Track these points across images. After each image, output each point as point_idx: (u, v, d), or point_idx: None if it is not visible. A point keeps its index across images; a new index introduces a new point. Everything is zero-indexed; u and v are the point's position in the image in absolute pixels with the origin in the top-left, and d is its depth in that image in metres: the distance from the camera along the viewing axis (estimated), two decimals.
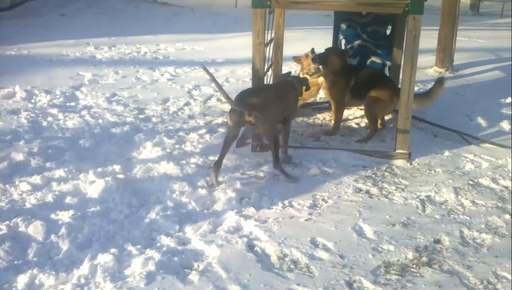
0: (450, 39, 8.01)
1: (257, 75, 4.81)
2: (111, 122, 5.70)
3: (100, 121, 5.74)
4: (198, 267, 3.20)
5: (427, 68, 8.47)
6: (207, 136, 5.38)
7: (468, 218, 3.83)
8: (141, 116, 5.97)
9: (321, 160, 4.80)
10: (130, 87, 7.16)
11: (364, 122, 5.89)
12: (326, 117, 6.05)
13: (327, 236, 3.53)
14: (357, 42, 6.06)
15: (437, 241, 3.51)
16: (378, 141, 5.36)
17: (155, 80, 7.58)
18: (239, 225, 3.68)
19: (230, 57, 9.00)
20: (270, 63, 6.23)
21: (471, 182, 4.43)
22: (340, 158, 4.83)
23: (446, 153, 5.05)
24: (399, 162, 4.81)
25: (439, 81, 5.38)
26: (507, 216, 3.85)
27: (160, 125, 5.69)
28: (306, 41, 9.32)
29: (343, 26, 6.01)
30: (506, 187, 4.36)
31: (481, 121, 6.00)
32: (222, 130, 5.59)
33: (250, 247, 3.42)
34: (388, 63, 6.02)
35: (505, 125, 5.87)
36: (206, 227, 3.64)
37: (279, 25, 5.89)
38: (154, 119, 5.90)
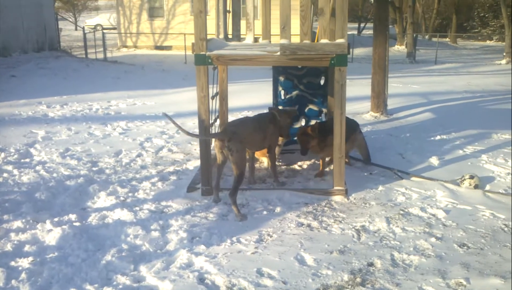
0: (382, 86, 8.73)
1: (203, 125, 5.21)
2: (66, 175, 5.92)
3: (55, 175, 5.95)
4: None
5: (364, 113, 9.14)
6: (159, 184, 5.68)
7: (398, 243, 4.26)
8: (94, 169, 6.21)
9: (267, 200, 5.18)
10: (83, 142, 7.40)
11: (306, 164, 6.34)
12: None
13: (272, 266, 3.86)
14: (295, 93, 6.61)
15: (370, 264, 3.90)
16: (320, 180, 5.79)
17: (108, 134, 7.86)
18: (191, 261, 3.96)
19: (179, 110, 9.41)
20: (217, 114, 6.70)
21: (401, 212, 4.90)
22: (284, 197, 5.22)
23: (380, 187, 5.53)
24: (338, 198, 5.24)
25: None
26: (433, 239, 4.30)
27: (113, 176, 5.95)
28: (251, 93, 9.92)
29: (281, 78, 6.56)
30: (433, 215, 4.84)
31: (412, 158, 6.58)
32: (173, 177, 5.91)
33: (201, 280, 3.70)
34: (324, 110, 6.57)
35: (433, 160, 6.46)
36: (160, 265, 3.90)
37: (223, 79, 6.38)
38: (107, 171, 6.16)
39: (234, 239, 4.33)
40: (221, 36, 6.30)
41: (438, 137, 7.49)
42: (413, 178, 5.86)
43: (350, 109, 9.50)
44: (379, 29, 8.81)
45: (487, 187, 5.63)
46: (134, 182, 5.75)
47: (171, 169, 6.24)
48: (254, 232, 4.46)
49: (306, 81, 6.53)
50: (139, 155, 6.82)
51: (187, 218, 4.77)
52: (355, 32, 38.22)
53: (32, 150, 6.97)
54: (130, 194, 5.37)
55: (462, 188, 5.54)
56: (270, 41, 6.16)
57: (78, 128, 8.19)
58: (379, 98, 8.83)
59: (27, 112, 9.29)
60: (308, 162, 6.39)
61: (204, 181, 5.35)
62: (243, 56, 5.08)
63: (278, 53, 4.98)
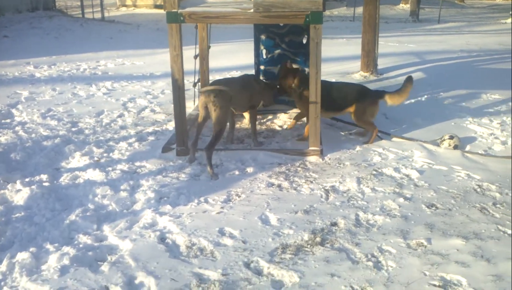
0: (372, 45, 8.54)
1: (176, 85, 5.13)
2: (44, 136, 5.89)
3: (33, 135, 5.93)
4: (111, 259, 3.46)
5: (354, 72, 8.98)
6: (136, 144, 5.65)
7: (365, 203, 4.23)
8: (73, 129, 6.18)
9: (241, 160, 5.14)
10: (66, 102, 7.36)
11: (286, 124, 6.27)
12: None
13: (235, 226, 3.85)
14: (277, 52, 6.48)
15: (334, 224, 3.88)
16: (297, 141, 5.73)
17: (91, 94, 7.80)
18: (154, 221, 3.96)
19: (168, 70, 9.25)
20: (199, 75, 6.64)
21: (374, 172, 4.85)
22: (258, 158, 5.18)
23: (357, 148, 5.47)
24: (312, 158, 5.19)
25: (408, 78, 5.84)
26: (401, 200, 4.26)
27: (91, 137, 5.92)
28: (234, 53, 9.75)
29: (263, 37, 6.42)
30: (407, 175, 4.79)
31: (396, 118, 6.49)
32: (151, 138, 5.88)
33: (162, 239, 3.70)
34: (306, 69, 6.43)
35: (417, 120, 6.37)
36: (123, 224, 3.90)
37: (203, 38, 6.26)
38: (86, 131, 6.13)
39: (201, 199, 4.32)
40: None
41: (425, 97, 7.37)
42: (393, 139, 5.79)
43: (341, 68, 9.38)
44: None
45: (467, 148, 5.55)
46: (111, 143, 5.72)
47: (150, 129, 6.20)
48: (223, 192, 4.45)
49: (288, 39, 6.38)
50: (120, 116, 6.77)
51: (158, 178, 4.75)
52: None
53: (14, 110, 6.94)
54: (105, 155, 5.34)
55: (441, 149, 5.47)
56: None
57: (62, 88, 8.13)
58: (368, 57, 8.66)
59: (14, 72, 9.22)
60: (288, 122, 6.31)
61: (179, 142, 5.31)
62: (216, 13, 4.95)
63: (252, 10, 4.84)
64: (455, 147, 5.46)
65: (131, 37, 14.01)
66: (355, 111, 5.68)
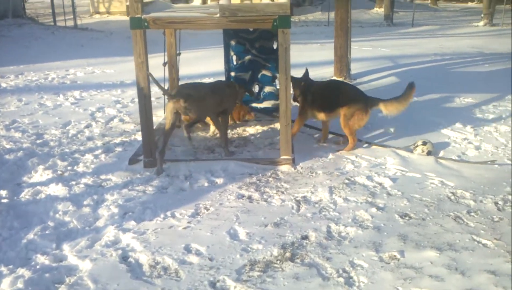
0: (345, 49, 8.47)
1: (142, 93, 4.96)
2: (6, 149, 5.65)
3: None
4: (69, 281, 3.27)
5: (327, 78, 8.87)
6: (102, 156, 5.45)
7: (337, 214, 4.10)
8: (38, 141, 5.95)
9: (210, 171, 4.98)
10: (32, 113, 7.11)
11: (259, 133, 6.13)
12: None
13: (201, 242, 3.68)
14: (247, 58, 6.34)
15: (305, 237, 3.74)
16: (270, 149, 5.59)
17: (59, 104, 7.56)
18: (117, 238, 3.78)
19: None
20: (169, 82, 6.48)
21: (347, 181, 4.73)
22: (228, 168, 5.03)
23: (330, 156, 5.36)
24: (284, 168, 5.06)
25: (410, 85, 5.59)
26: (374, 210, 4.15)
27: (56, 149, 5.70)
28: (205, 59, 9.59)
29: (233, 43, 6.28)
30: (380, 184, 4.69)
31: (368, 124, 6.37)
32: (119, 149, 5.68)
33: (124, 258, 3.52)
34: (277, 75, 6.31)
35: (390, 126, 6.28)
36: (84, 243, 3.71)
37: (171, 44, 6.09)
38: (51, 143, 5.90)
39: (168, 213, 4.15)
40: None
41: None
42: (365, 145, 5.69)
43: (315, 74, 9.23)
44: None
45: (441, 154, 5.48)
46: (76, 155, 5.51)
47: (118, 140, 6.00)
48: (191, 205, 4.28)
49: (259, 45, 6.26)
50: (88, 126, 6.56)
51: (123, 192, 4.56)
52: None
53: None
54: (69, 168, 5.13)
55: (414, 155, 5.39)
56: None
57: (29, 98, 7.87)
58: (341, 62, 8.59)
59: None
60: (260, 130, 6.18)
61: (146, 153, 5.13)
62: (181, 18, 4.79)
63: (218, 15, 4.70)
64: (429, 153, 5.38)
65: (103, 44, 13.75)
66: (343, 114, 5.46)
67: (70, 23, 17.81)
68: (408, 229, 3.85)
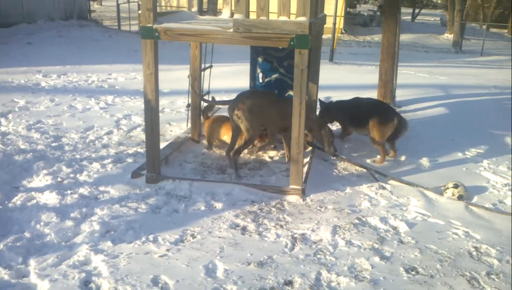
0: (391, 74, 7.92)
1: (149, 106, 4.72)
2: (18, 150, 5.57)
3: (10, 147, 5.63)
4: None
5: None
6: (109, 166, 5.25)
7: (334, 259, 3.64)
8: (53, 144, 5.84)
9: (212, 193, 4.65)
10: (58, 115, 7.07)
11: (278, 156, 5.74)
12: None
13: (173, 274, 3.34)
14: (274, 76, 5.99)
15: (288, 283, 3.32)
16: (285, 176, 5.18)
17: (88, 108, 7.49)
18: (88, 259, 3.51)
19: (177, 88, 8.91)
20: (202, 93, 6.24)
21: (356, 221, 4.25)
22: (232, 192, 4.67)
23: (347, 189, 4.88)
24: (292, 198, 4.64)
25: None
26: (377, 259, 3.65)
27: (68, 154, 5.56)
28: (230, 75, 9.24)
29: (260, 59, 5.95)
30: (394, 228, 4.18)
31: (400, 156, 5.85)
32: (130, 160, 5.47)
33: (85, 283, 3.24)
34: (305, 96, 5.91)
35: (424, 162, 5.72)
36: (52, 260, 3.47)
37: (195, 57, 5.84)
38: (66, 148, 5.78)
39: (151, 237, 3.84)
40: (194, 9, 5.73)
41: (439, 136, 6.67)
42: (391, 181, 5.16)
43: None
44: (389, 12, 7.94)
45: (474, 199, 4.87)
46: (84, 162, 5.34)
47: (132, 150, 5.79)
48: (178, 231, 3.96)
49: (287, 63, 5.87)
50: (108, 133, 6.41)
51: (115, 207, 4.31)
52: (410, 17, 36.56)
53: (2, 119, 6.69)
54: (71, 175, 4.96)
55: (443, 198, 4.81)
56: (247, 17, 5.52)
57: (61, 99, 7.87)
58: (386, 87, 8.02)
59: (20, 80, 9.06)
60: (281, 153, 5.78)
61: (149, 168, 4.87)
62: (193, 30, 4.51)
63: (231, 30, 4.38)
64: (460, 198, 4.79)
65: (160, 51, 13.76)
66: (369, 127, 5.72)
67: (135, 28, 18.12)
68: (410, 287, 3.34)
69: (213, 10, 5.19)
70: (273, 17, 4.32)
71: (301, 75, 4.39)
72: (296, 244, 3.83)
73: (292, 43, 4.29)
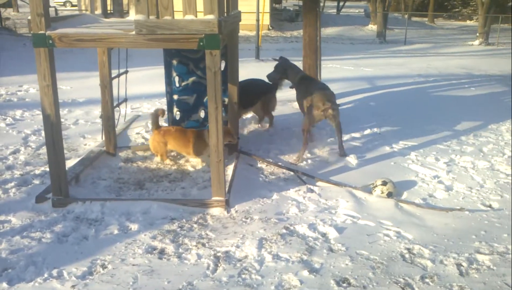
0: (314, 70, 7.75)
1: (48, 121, 4.22)
2: None
3: None
4: None
5: (295, 100, 8.13)
6: (12, 191, 4.72)
7: (259, 278, 3.34)
8: None
9: (128, 213, 4.23)
10: None
11: (201, 164, 5.39)
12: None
13: None
14: (191, 79, 5.63)
15: None
16: (208, 186, 4.83)
17: None
18: None
19: (93, 96, 8.34)
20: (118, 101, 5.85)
21: (284, 230, 3.97)
22: (150, 210, 4.27)
23: (274, 196, 4.61)
24: (215, 211, 4.31)
25: None
26: (306, 272, 3.38)
27: None
28: (145, 80, 8.79)
29: (174, 62, 5.57)
30: (323, 235, 3.93)
31: (327, 156, 5.65)
32: (36, 181, 4.96)
33: None
34: (226, 99, 5.59)
35: (351, 159, 5.55)
36: None
37: (103, 63, 5.38)
38: None
39: (54, 271, 3.39)
40: (98, 11, 5.25)
41: (367, 131, 6.56)
42: (319, 183, 4.94)
43: (283, 96, 8.53)
44: (309, 6, 7.77)
45: (404, 195, 4.74)
46: None
47: (40, 170, 5.25)
48: (87, 261, 3.52)
49: (204, 65, 5.45)
50: (15, 152, 5.82)
51: (14, 240, 3.81)
52: (335, 10, 37.10)
53: None
54: None
55: (372, 197, 4.64)
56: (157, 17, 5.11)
57: None
58: None
59: None
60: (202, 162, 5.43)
61: (55, 191, 4.38)
62: (91, 35, 4.06)
63: (134, 32, 3.97)
64: (389, 195, 4.64)
65: (75, 58, 12.98)
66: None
67: None
68: None
69: (119, 11, 4.76)
70: (179, 16, 3.95)
71: (214, 78, 4.08)
72: (219, 265, 3.50)
73: (201, 43, 3.95)
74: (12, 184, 4.87)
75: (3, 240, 3.81)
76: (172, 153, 5.54)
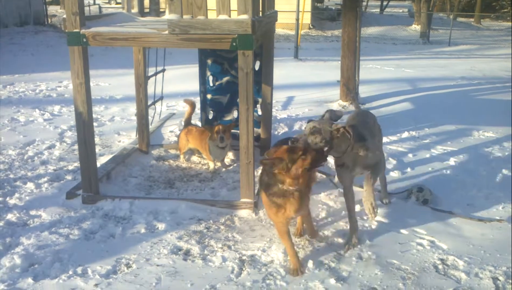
0: (352, 71, 7.58)
1: (81, 119, 4.25)
2: None
3: None
4: None
5: (333, 101, 8.00)
6: (45, 186, 4.79)
7: (284, 284, 3.25)
8: None
9: (156, 212, 4.21)
10: None
11: (232, 165, 5.34)
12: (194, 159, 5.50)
13: None
14: (225, 79, 5.58)
15: None
16: (238, 187, 4.76)
17: (31, 120, 6.97)
18: None
19: (130, 94, 8.41)
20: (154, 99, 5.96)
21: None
22: (178, 210, 4.25)
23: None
24: (244, 213, 4.24)
25: None
26: (333, 281, 3.27)
27: (1, 174, 5.06)
28: (183, 78, 8.73)
29: (209, 61, 5.53)
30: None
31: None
32: (69, 177, 5.02)
33: None
34: (259, 99, 5.52)
35: (388, 164, 5.36)
36: None
37: (139, 62, 5.39)
38: (0, 166, 5.27)
39: (79, 269, 3.40)
40: (135, 10, 5.27)
41: (404, 134, 6.35)
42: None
43: (319, 96, 8.44)
44: (349, 5, 7.60)
45: (441, 203, 4.53)
46: (18, 182, 4.86)
47: (73, 166, 5.32)
48: (112, 260, 3.52)
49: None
50: (50, 147, 5.92)
51: (43, 235, 3.85)
52: (378, 10, 36.52)
53: None
54: (0, 199, 4.46)
55: (407, 204, 4.46)
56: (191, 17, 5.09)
57: (3, 112, 7.32)
58: (348, 84, 7.68)
59: None
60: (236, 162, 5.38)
61: (85, 187, 4.41)
62: (124, 34, 4.06)
63: (167, 32, 3.95)
64: (425, 202, 4.45)
65: (115, 55, 13.21)
66: None
67: None
68: None
69: (156, 10, 4.79)
70: (212, 16, 3.90)
71: (247, 79, 4.00)
72: (243, 269, 3.42)
73: (234, 44, 3.89)
74: (45, 179, 4.94)
75: (32, 235, 3.85)
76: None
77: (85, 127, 4.28)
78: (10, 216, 4.16)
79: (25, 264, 3.45)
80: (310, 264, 3.46)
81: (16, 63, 11.18)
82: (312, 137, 3.42)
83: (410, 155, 5.66)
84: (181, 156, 5.45)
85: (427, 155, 5.71)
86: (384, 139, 5.93)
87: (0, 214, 4.20)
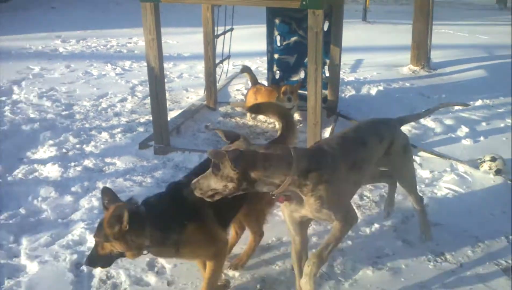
0: (425, 35, 7.31)
1: (153, 74, 4.38)
2: (27, 119, 5.37)
3: (18, 117, 5.43)
4: (7, 284, 2.80)
5: (403, 66, 7.77)
6: (118, 136, 5.00)
7: (350, 243, 3.27)
8: (64, 113, 5.61)
9: None
10: (73, 82, 6.82)
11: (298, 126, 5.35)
12: None
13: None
14: (293, 39, 5.54)
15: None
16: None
17: (103, 74, 7.23)
18: (82, 239, 3.27)
19: (198, 52, 8.50)
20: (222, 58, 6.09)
21: (378, 198, 3.84)
22: None
23: None
24: None
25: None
26: (399, 243, 3.27)
27: (77, 123, 5.33)
28: (246, 39, 8.64)
29: (277, 21, 5.50)
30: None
31: (433, 126, 5.34)
32: (140, 129, 5.22)
33: (77, 265, 3.00)
34: (327, 61, 5.45)
35: (459, 132, 5.21)
36: (44, 239, 3.25)
37: (207, 19, 5.44)
38: (76, 116, 5.55)
39: None
40: None
41: (478, 102, 6.11)
42: (421, 153, 4.69)
43: (388, 60, 8.22)
44: None
45: None
46: (93, 132, 5.10)
47: (145, 119, 5.50)
48: None
49: (306, 25, 5.37)
50: (122, 100, 6.13)
51: (118, 181, 4.05)
52: None
53: (15, 87, 6.49)
54: (78, 146, 4.72)
55: (479, 173, 4.33)
56: None
57: (77, 66, 7.62)
58: (419, 49, 7.42)
59: (38, 46, 8.84)
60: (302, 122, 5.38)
61: (157, 139, 4.57)
62: None
63: None
64: (498, 172, 4.29)
65: (185, 14, 13.27)
66: None
67: None
68: (434, 277, 2.94)
69: None
70: None
71: (316, 39, 3.95)
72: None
73: (304, 2, 3.84)
74: (119, 130, 5.14)
75: (108, 180, 4.05)
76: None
77: (156, 82, 4.40)
78: (87, 162, 4.38)
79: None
80: (377, 224, 3.45)
81: (88, 19, 11.53)
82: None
83: (483, 123, 5.45)
84: (248, 114, 5.51)
85: (502, 125, 5.48)
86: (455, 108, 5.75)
87: (78, 160, 4.42)
